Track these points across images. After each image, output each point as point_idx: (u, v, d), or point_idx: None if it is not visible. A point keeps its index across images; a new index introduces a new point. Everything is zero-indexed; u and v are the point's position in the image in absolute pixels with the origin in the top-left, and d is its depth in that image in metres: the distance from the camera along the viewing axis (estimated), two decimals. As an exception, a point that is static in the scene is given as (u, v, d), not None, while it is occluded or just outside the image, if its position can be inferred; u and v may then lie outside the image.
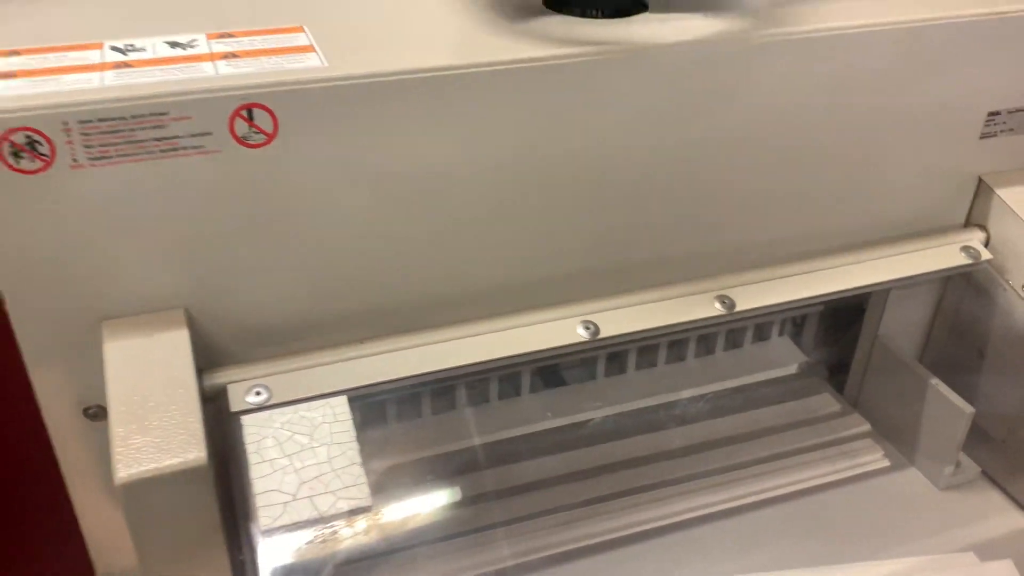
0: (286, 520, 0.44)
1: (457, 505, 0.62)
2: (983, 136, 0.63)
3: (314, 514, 0.44)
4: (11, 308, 0.46)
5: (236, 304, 0.50)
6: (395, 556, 0.59)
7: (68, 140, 0.42)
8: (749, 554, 0.60)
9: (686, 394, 0.72)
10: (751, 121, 0.55)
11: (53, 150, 0.42)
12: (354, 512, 0.45)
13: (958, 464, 0.66)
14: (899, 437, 0.69)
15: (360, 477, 0.46)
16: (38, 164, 0.43)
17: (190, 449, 0.43)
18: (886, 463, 0.68)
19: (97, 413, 0.50)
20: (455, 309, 0.54)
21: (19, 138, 0.42)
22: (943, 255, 0.63)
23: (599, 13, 0.54)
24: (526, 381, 0.69)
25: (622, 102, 0.52)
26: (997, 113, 0.62)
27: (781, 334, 0.78)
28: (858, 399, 0.74)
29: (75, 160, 0.43)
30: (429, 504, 0.63)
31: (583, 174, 0.53)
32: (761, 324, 0.75)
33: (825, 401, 0.74)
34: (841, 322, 0.75)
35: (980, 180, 0.64)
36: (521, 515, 0.62)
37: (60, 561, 0.84)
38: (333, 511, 0.44)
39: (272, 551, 0.46)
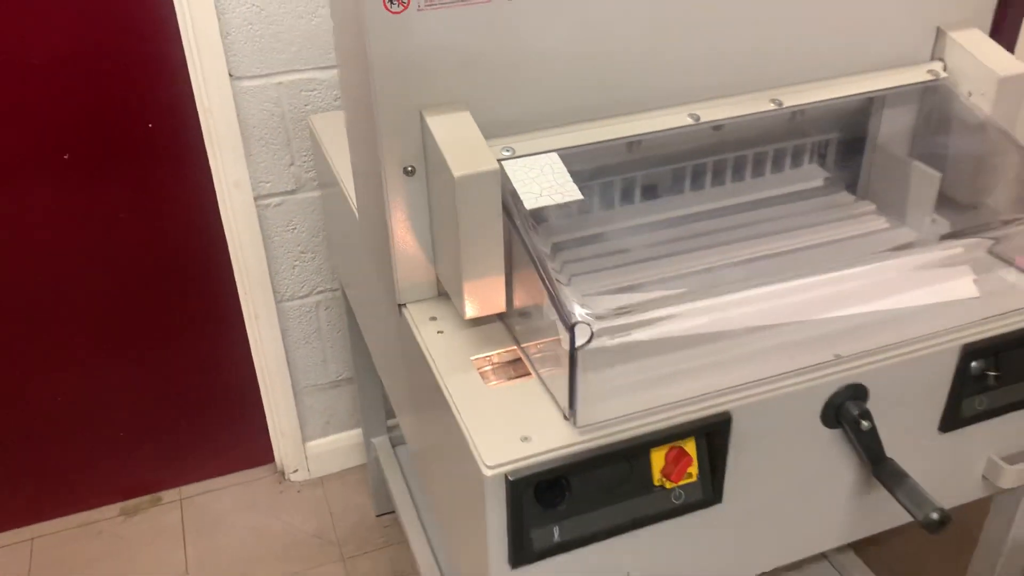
0: (539, 203, 0.79)
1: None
2: (937, -2, 0.97)
3: (552, 200, 0.79)
4: (376, 99, 0.81)
5: (495, 105, 0.84)
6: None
7: (417, -5, 0.77)
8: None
9: (746, 198, 1.06)
10: (787, -13, 0.90)
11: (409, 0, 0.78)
12: (570, 200, 0.80)
13: (934, 220, 1.00)
14: (895, 210, 1.03)
15: (571, 186, 0.81)
16: (399, 8, 0.78)
17: (489, 162, 0.78)
18: (887, 225, 1.02)
19: (412, 171, 0.85)
20: (617, 106, 0.89)
21: (392, -6, 0.77)
22: (916, 74, 0.97)
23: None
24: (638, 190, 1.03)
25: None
26: (945, -19, 0.96)
27: (811, 161, 1.12)
28: (867, 193, 1.08)
29: (418, 6, 0.78)
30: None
31: (684, 12, 0.88)
32: (796, 151, 1.09)
33: (843, 197, 1.08)
34: (851, 148, 1.09)
35: (938, 28, 0.99)
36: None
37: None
38: (561, 198, 0.79)
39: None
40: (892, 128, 1.03)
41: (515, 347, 0.87)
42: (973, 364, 0.88)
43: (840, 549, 1.44)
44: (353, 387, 1.76)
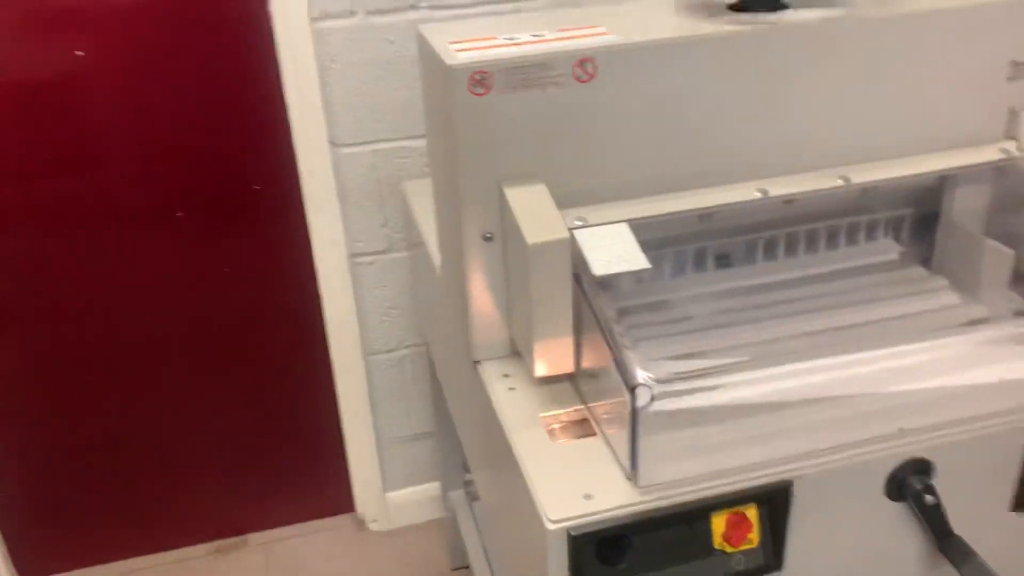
0: (608, 270, 0.84)
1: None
2: (1010, 79, 0.99)
3: (620, 268, 0.84)
4: (460, 172, 0.88)
5: (568, 178, 0.90)
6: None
7: (499, 78, 0.84)
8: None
9: (818, 270, 1.08)
10: (853, 67, 0.93)
11: (492, 83, 0.84)
12: (638, 268, 0.84)
13: (1009, 298, 1.00)
14: (969, 287, 1.04)
15: (639, 255, 0.85)
16: (482, 91, 0.85)
17: (560, 231, 0.83)
18: (959, 301, 1.02)
19: (491, 237, 0.91)
20: (687, 181, 0.94)
21: (477, 76, 0.84)
22: (988, 153, 0.99)
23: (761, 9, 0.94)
24: (710, 260, 1.06)
25: (772, 54, 0.91)
26: (1019, 63, 0.98)
27: (886, 235, 1.13)
28: (942, 269, 1.08)
29: (501, 90, 0.85)
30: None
31: (754, 96, 0.92)
32: (871, 226, 1.11)
33: (916, 272, 1.09)
34: (926, 224, 1.10)
35: (1010, 109, 1.00)
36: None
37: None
38: (628, 266, 0.84)
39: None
40: (965, 205, 1.04)
41: (582, 407, 0.91)
42: (1046, 443, 0.87)
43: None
44: (434, 441, 1.82)
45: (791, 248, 1.08)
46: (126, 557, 1.83)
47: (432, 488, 1.88)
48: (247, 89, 1.50)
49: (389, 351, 1.73)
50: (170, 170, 1.53)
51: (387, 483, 1.88)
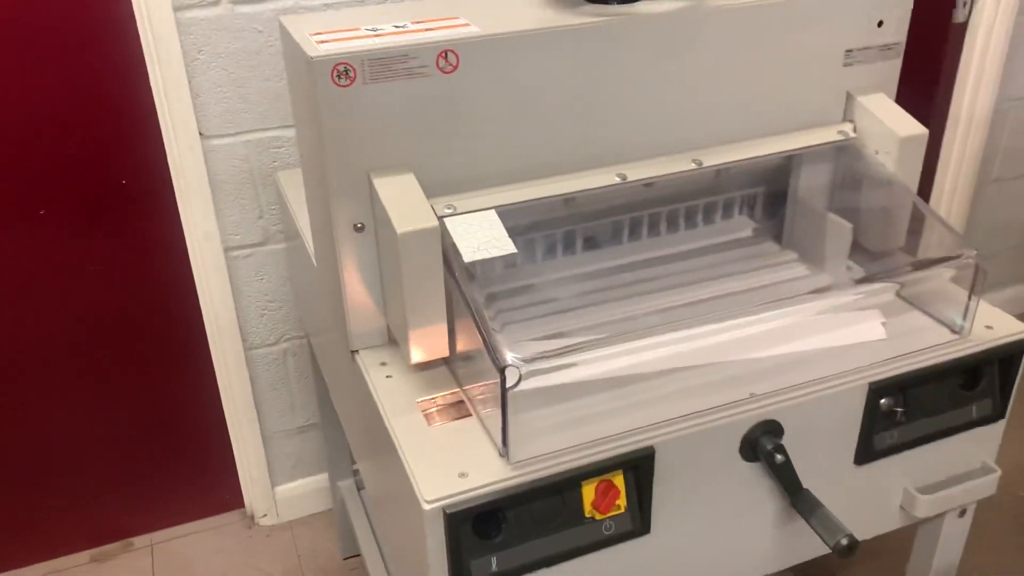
0: (477, 256, 0.86)
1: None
2: (845, 65, 1.06)
3: (489, 253, 0.87)
4: (327, 163, 0.88)
5: (436, 167, 0.92)
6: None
7: (362, 69, 0.85)
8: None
9: (677, 248, 1.14)
10: (704, 55, 0.99)
11: (355, 74, 0.85)
12: (506, 253, 0.87)
13: (849, 267, 1.08)
14: (815, 259, 1.11)
15: (507, 240, 0.88)
16: (346, 82, 0.86)
17: (429, 220, 0.86)
18: (806, 272, 1.10)
19: (362, 227, 0.92)
20: (551, 167, 0.97)
21: (340, 68, 0.85)
22: (828, 135, 1.06)
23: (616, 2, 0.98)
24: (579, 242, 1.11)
25: (627, 44, 0.95)
26: (851, 50, 1.06)
27: (741, 213, 1.20)
28: (791, 243, 1.16)
29: (364, 81, 0.86)
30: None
31: (612, 84, 0.96)
32: (727, 205, 1.17)
33: (768, 247, 1.16)
34: (777, 201, 1.17)
35: (848, 93, 1.08)
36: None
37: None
38: (497, 251, 0.87)
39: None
40: (809, 183, 1.11)
41: (458, 389, 0.94)
42: (882, 401, 0.95)
43: (787, 581, 1.50)
44: (320, 432, 1.81)
45: (654, 228, 1.14)
46: (2, 571, 1.75)
47: (320, 480, 1.88)
48: (111, 80, 1.45)
49: (271, 344, 1.71)
50: (30, 167, 1.47)
51: (275, 477, 1.86)
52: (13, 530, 1.74)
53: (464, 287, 0.86)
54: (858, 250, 1.09)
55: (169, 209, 1.56)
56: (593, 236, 1.11)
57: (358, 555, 1.75)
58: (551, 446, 0.84)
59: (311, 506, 1.90)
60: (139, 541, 1.84)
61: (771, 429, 0.90)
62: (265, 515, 1.88)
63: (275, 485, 1.87)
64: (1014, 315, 1.02)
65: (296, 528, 1.88)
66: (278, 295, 1.67)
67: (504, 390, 0.78)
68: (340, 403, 1.29)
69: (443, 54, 0.88)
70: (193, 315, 1.65)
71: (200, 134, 1.49)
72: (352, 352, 1.00)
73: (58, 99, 1.43)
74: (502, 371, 0.78)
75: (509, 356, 0.80)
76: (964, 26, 2.04)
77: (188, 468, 1.83)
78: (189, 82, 1.45)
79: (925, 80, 2.12)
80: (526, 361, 0.80)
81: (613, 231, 1.12)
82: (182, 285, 1.62)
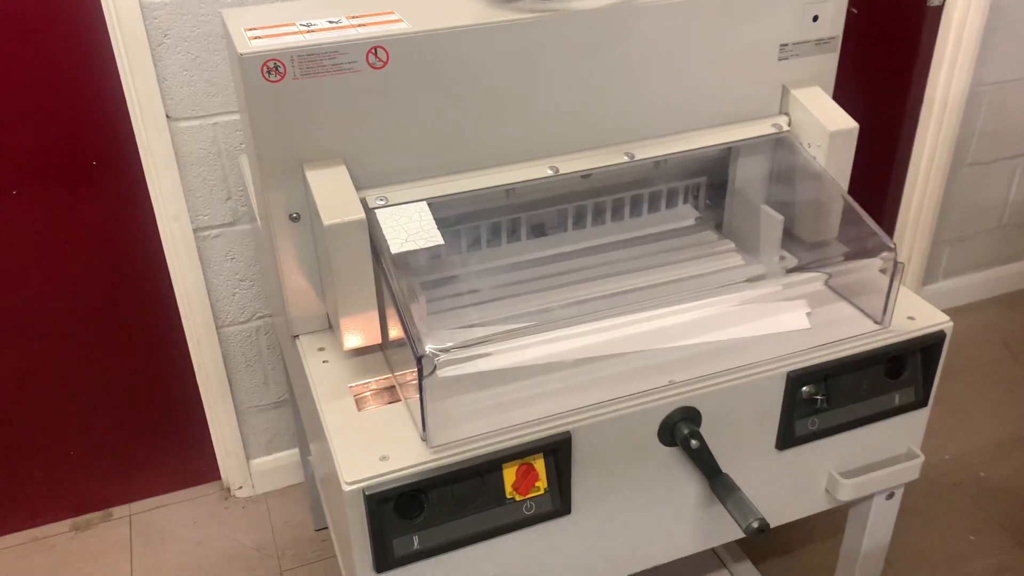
0: (404, 248, 0.89)
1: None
2: (780, 59, 1.08)
3: (417, 245, 0.90)
4: (260, 155, 0.91)
5: (369, 159, 0.95)
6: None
7: (292, 65, 0.88)
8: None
9: (618, 237, 1.17)
10: (637, 50, 1.01)
11: (285, 70, 0.88)
12: (433, 245, 0.90)
13: (782, 257, 1.11)
14: (749, 248, 1.14)
15: (435, 232, 0.91)
16: (276, 78, 0.88)
17: (356, 212, 0.89)
18: (741, 261, 1.13)
19: (297, 217, 0.96)
20: (485, 160, 1.00)
21: (270, 64, 0.87)
22: (762, 128, 1.09)
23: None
24: (524, 230, 1.14)
25: (559, 39, 0.97)
26: (785, 45, 1.07)
27: (685, 201, 1.22)
28: (730, 232, 1.18)
29: (295, 76, 0.89)
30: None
31: (545, 80, 0.99)
32: (672, 193, 1.20)
33: (707, 236, 1.19)
34: (719, 191, 1.20)
35: (783, 86, 1.10)
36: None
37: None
38: (425, 243, 0.90)
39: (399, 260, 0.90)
40: (746, 174, 1.14)
41: (390, 375, 0.97)
42: (804, 388, 0.99)
43: (737, 558, 1.54)
44: (291, 408, 1.86)
45: (599, 217, 1.17)
46: (-18, 538, 1.82)
47: (294, 454, 1.93)
48: (78, 63, 1.48)
49: (242, 322, 1.75)
50: (1, 147, 1.50)
51: (250, 451, 1.91)
52: (-5, 499, 1.80)
53: (391, 278, 0.90)
54: (793, 240, 1.11)
55: (139, 190, 1.59)
56: (539, 224, 1.14)
57: (327, 527, 1.80)
58: (472, 431, 0.87)
59: (286, 479, 1.95)
60: (118, 511, 1.89)
61: (689, 416, 0.93)
62: (241, 487, 1.93)
63: (250, 458, 1.92)
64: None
65: (271, 500, 1.93)
66: (248, 274, 1.71)
67: (421, 378, 0.82)
68: (294, 383, 1.33)
69: (372, 50, 0.91)
70: (166, 293, 1.69)
71: (167, 116, 1.52)
72: (293, 337, 1.04)
73: (27, 81, 1.46)
74: (419, 360, 0.81)
75: (428, 346, 0.83)
76: (939, 10, 2.04)
77: (165, 441, 1.88)
78: (155, 65, 1.48)
79: (900, 64, 2.12)
80: (443, 351, 0.83)
81: (558, 219, 1.15)
82: (154, 264, 1.66)
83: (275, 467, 1.94)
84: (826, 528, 1.79)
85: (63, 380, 1.73)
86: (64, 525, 1.86)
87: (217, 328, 1.74)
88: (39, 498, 1.83)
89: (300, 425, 1.75)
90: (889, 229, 2.34)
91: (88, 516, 1.88)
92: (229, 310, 1.73)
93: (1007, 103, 2.19)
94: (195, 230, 1.63)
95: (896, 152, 2.24)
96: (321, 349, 1.01)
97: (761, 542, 1.72)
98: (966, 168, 2.26)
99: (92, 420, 1.79)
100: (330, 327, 1.04)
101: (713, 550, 1.58)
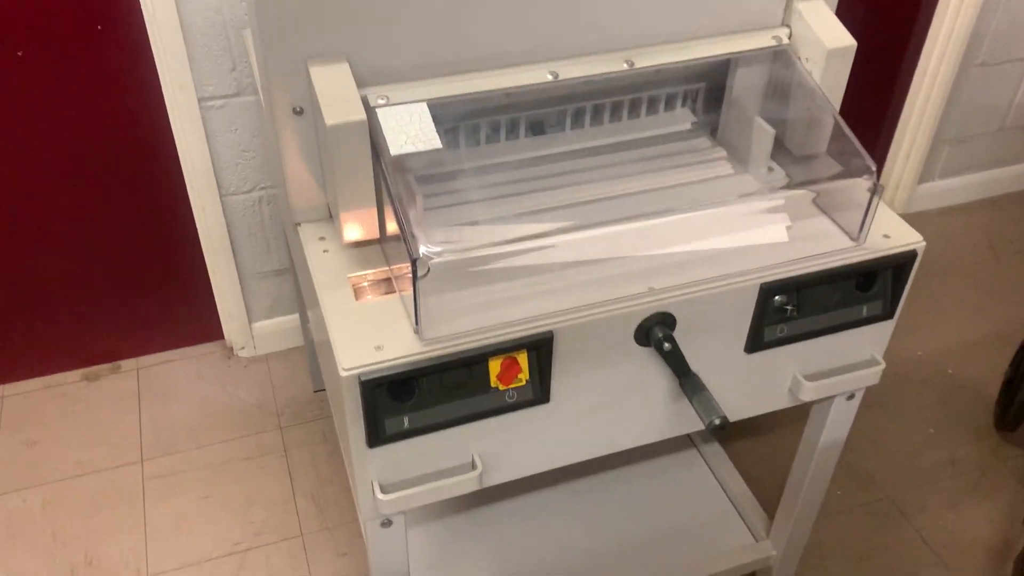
0: (403, 150, 0.93)
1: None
2: (786, -30, 1.08)
3: (415, 148, 0.93)
4: (263, 51, 0.93)
5: (372, 56, 0.97)
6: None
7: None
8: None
9: (612, 139, 1.20)
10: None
11: (292, -33, 0.89)
12: (431, 148, 0.94)
13: (771, 169, 1.14)
14: (740, 158, 1.17)
15: (434, 135, 0.95)
16: (283, -25, 0.89)
17: (357, 113, 0.92)
18: (731, 171, 1.16)
19: (301, 111, 0.99)
20: (485, 62, 1.02)
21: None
22: (762, 40, 1.10)
23: None
24: (523, 128, 1.16)
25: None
26: (793, -44, 1.07)
27: (683, 105, 1.24)
28: (724, 140, 1.21)
29: (301, -27, 0.90)
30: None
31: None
32: (671, 97, 1.22)
33: (702, 143, 1.22)
34: (717, 97, 1.22)
35: (787, -3, 1.10)
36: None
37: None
38: (423, 146, 0.93)
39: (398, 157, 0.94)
40: (743, 84, 1.16)
41: (387, 268, 1.03)
42: (776, 298, 1.05)
43: (706, 439, 1.65)
44: (292, 276, 1.93)
45: (596, 118, 1.19)
46: (2, 383, 1.92)
47: (294, 319, 2.02)
48: (79, -75, 1.45)
49: (246, 192, 1.80)
50: (5, 7, 1.50)
51: (252, 314, 1.99)
52: (11, 347, 1.89)
53: (389, 178, 0.94)
54: (784, 153, 1.15)
55: (145, 58, 1.59)
56: (538, 121, 1.17)
57: (324, 389, 1.91)
58: (460, 327, 0.94)
59: (287, 342, 2.05)
60: (126, 364, 2.00)
61: (664, 320, 1.00)
62: (243, 348, 2.03)
63: (252, 321, 2.00)
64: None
65: (272, 361, 2.03)
66: (251, 146, 1.74)
67: (415, 279, 0.88)
68: (295, 261, 1.39)
69: (378, -52, 0.91)
70: (171, 159, 1.72)
71: (172, -17, 1.51)
72: (295, 224, 1.09)
73: (29, -58, 1.45)
74: (414, 262, 0.87)
75: (422, 248, 0.88)
76: (966, -99, 1.97)
77: (172, 301, 1.96)
78: (159, -69, 1.46)
79: (920, -44, 2.07)
80: (436, 254, 0.88)
81: (557, 119, 1.18)
82: (160, 131, 1.69)
83: (276, 330, 2.03)
84: (792, 414, 1.90)
85: (74, 239, 1.79)
86: (75, 375, 1.97)
87: (221, 196, 1.78)
88: (52, 348, 1.93)
89: (300, 294, 1.83)
90: (891, 127, 2.35)
91: (98, 367, 1.99)
92: (232, 180, 1.77)
93: (1024, 4, 2.16)
94: (200, 100, 1.65)
95: (906, 49, 2.21)
96: (322, 238, 1.06)
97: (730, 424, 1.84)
98: (975, 68, 2.24)
99: (101, 278, 1.87)
100: (331, 217, 1.09)
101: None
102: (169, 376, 1.98)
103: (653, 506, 1.55)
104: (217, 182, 1.76)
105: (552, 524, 1.52)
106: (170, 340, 2.02)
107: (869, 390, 1.25)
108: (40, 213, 1.74)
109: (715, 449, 1.64)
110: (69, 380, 1.96)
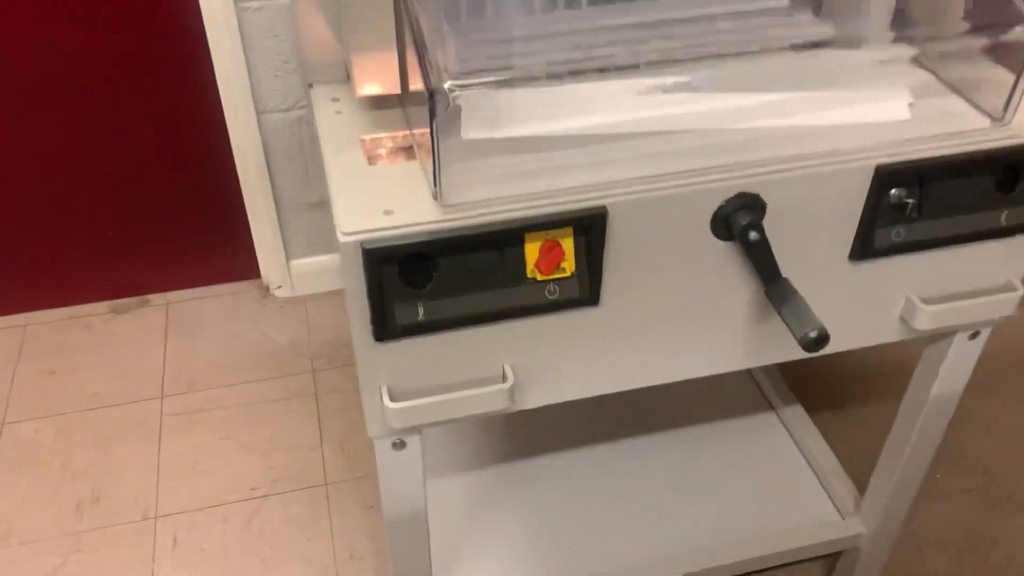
0: None
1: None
2: None
3: None
4: None
5: None
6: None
7: None
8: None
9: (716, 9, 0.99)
10: None
11: None
12: None
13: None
14: (850, 37, 0.96)
15: None
16: None
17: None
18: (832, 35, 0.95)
19: None
20: None
21: None
22: None
23: None
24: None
25: None
26: None
27: (780, -21, 1.04)
28: (829, 16, 1.00)
29: None
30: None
31: None
32: (764, -33, 1.01)
33: (805, 18, 1.01)
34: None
35: None
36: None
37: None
38: None
39: None
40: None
41: (408, 133, 0.85)
42: (892, 191, 0.83)
43: (787, 400, 1.43)
44: (335, 208, 1.77)
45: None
46: (22, 311, 1.82)
47: (335, 259, 1.86)
48: None
49: (284, 111, 1.64)
50: None
51: (290, 251, 1.85)
52: (37, 275, 1.78)
53: (412, 9, 0.76)
54: (907, 26, 0.93)
55: (176, -51, 1.46)
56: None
57: (363, 333, 1.75)
58: (491, 193, 0.75)
59: (327, 284, 1.90)
60: (155, 299, 1.87)
61: (750, 204, 0.79)
62: (280, 287, 1.88)
63: (290, 259, 1.86)
64: None
65: (310, 303, 1.88)
66: (292, 56, 1.58)
67: (433, 116, 0.69)
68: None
69: None
70: (205, 68, 1.58)
71: None
72: (308, 85, 0.92)
73: None
74: (431, 94, 0.69)
75: (446, 79, 0.70)
76: None
77: (207, 233, 1.83)
78: None
79: None
80: (461, 87, 0.70)
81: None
82: (193, 35, 1.55)
83: (316, 270, 1.87)
84: (886, 387, 1.66)
85: (105, 165, 1.67)
86: (102, 307, 1.85)
87: (257, 114, 1.63)
88: (78, 277, 1.81)
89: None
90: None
91: (126, 300, 1.86)
92: (271, 95, 1.62)
93: None
94: (236, 0, 1.50)
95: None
96: (335, 100, 0.89)
97: (813, 390, 1.61)
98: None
99: (131, 206, 1.74)
100: (348, 78, 0.91)
101: (763, 393, 1.47)
102: (199, 313, 1.84)
103: (722, 472, 1.34)
104: (253, 97, 1.61)
105: (602, 487, 1.32)
106: (204, 276, 1.89)
107: (981, 363, 1.02)
108: (67, 138, 1.62)
109: (797, 412, 1.42)
110: (95, 312, 1.84)
